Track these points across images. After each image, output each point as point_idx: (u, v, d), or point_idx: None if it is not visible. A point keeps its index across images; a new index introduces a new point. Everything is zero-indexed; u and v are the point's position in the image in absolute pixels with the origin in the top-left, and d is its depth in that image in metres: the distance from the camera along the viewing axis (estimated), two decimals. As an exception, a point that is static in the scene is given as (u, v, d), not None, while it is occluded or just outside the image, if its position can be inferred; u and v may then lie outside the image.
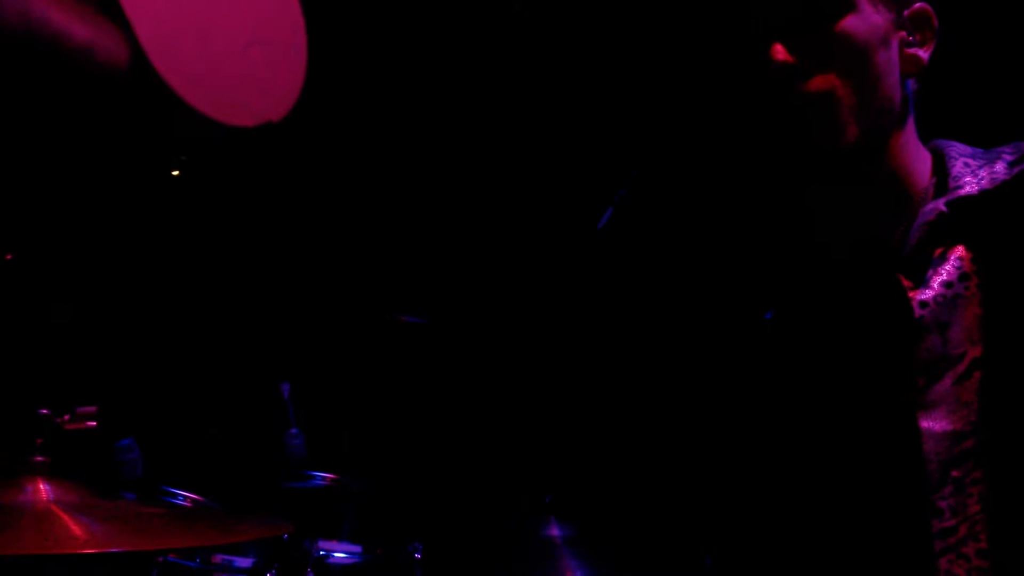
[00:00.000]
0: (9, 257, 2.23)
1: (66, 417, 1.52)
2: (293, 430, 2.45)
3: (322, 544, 2.25)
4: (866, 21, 1.36)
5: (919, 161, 1.43)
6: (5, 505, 1.43)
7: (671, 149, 2.24)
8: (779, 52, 1.35)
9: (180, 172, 2.44)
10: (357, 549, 2.34)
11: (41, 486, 1.47)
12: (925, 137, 1.48)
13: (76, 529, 1.39)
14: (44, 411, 1.51)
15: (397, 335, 2.87)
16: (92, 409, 1.54)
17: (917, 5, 1.42)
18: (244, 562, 2.08)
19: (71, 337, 2.58)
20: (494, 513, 2.81)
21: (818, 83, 1.35)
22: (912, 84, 1.44)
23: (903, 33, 1.41)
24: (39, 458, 1.50)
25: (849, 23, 1.35)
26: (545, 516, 2.47)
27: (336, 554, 2.28)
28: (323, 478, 2.44)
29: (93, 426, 1.53)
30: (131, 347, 2.75)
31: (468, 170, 3.14)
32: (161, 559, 1.92)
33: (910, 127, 1.44)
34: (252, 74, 1.33)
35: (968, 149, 1.45)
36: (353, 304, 3.04)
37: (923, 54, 1.42)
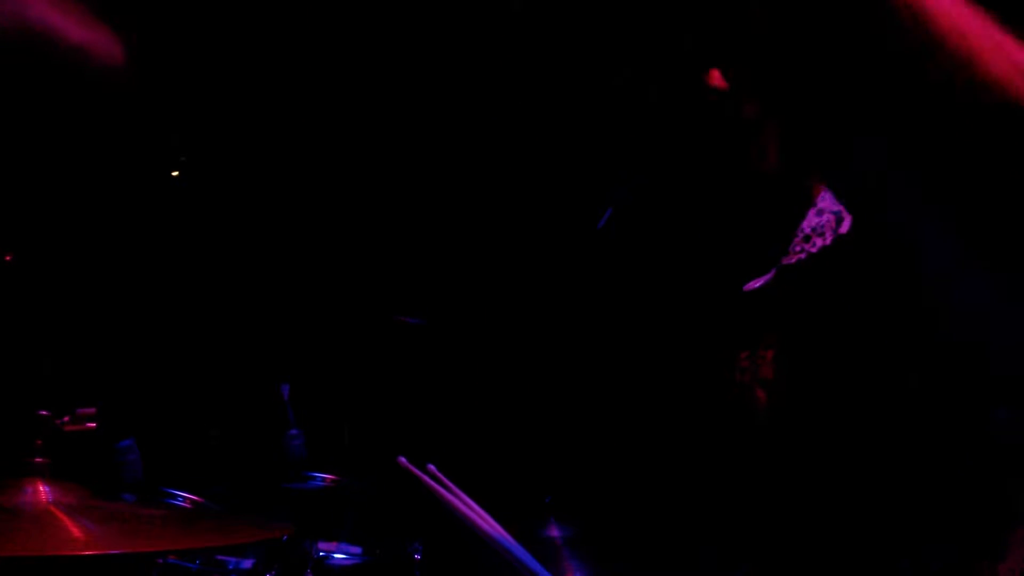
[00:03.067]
0: (9, 258, 2.23)
1: (66, 418, 1.52)
2: (293, 431, 2.45)
3: (322, 545, 2.24)
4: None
5: None
6: (5, 507, 1.43)
7: (669, 150, 2.24)
8: (715, 78, 1.40)
9: (180, 172, 2.44)
10: (357, 550, 2.34)
11: (41, 487, 1.47)
12: None
13: (76, 531, 1.39)
14: (44, 412, 1.51)
15: (397, 336, 2.87)
16: (92, 410, 1.54)
17: None
18: (244, 563, 2.08)
19: (71, 337, 2.59)
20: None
21: (749, 111, 1.40)
22: None
23: None
24: (39, 460, 1.50)
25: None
26: (545, 516, 2.47)
27: (336, 555, 2.28)
28: (323, 479, 2.44)
29: (93, 427, 1.53)
30: (131, 348, 2.75)
31: (468, 171, 3.14)
32: (161, 560, 1.92)
33: None
34: None
35: None
36: (353, 305, 3.04)
37: None
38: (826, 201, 1.39)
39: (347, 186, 3.12)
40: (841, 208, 1.36)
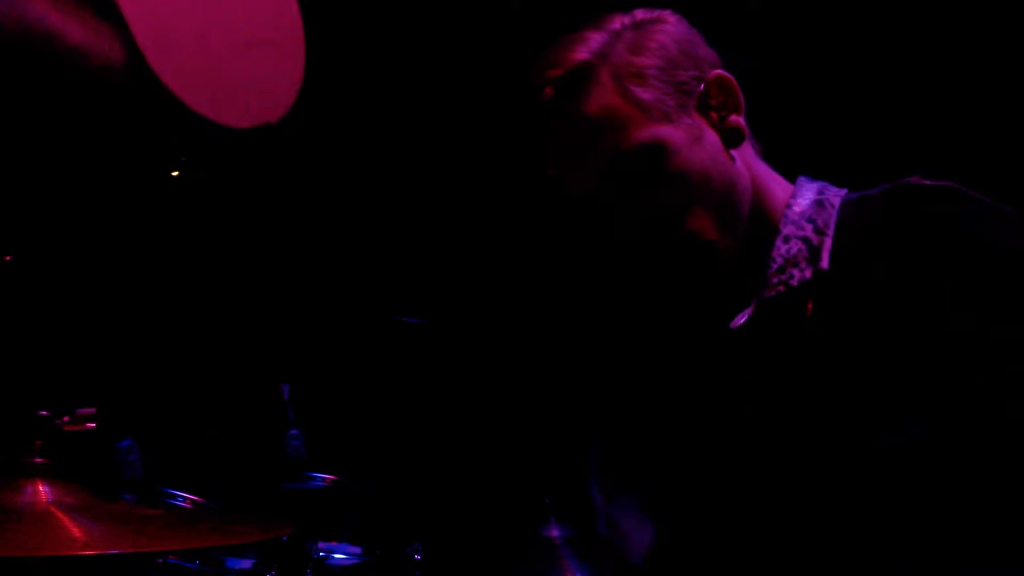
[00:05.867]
0: (9, 258, 2.23)
1: (66, 418, 1.52)
2: (293, 431, 2.45)
3: (322, 545, 2.24)
4: (680, 145, 1.38)
5: (776, 197, 1.46)
6: (5, 507, 1.43)
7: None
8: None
9: (179, 173, 2.44)
10: (357, 550, 2.34)
11: (40, 487, 1.47)
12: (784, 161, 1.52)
13: (75, 530, 1.39)
14: (43, 412, 1.51)
15: (397, 336, 2.87)
16: (91, 410, 1.54)
17: (708, 79, 1.42)
18: (244, 563, 2.08)
19: (71, 337, 2.59)
20: (494, 514, 2.81)
21: (692, 224, 1.39)
22: (748, 147, 1.46)
23: (711, 115, 1.42)
24: (38, 460, 1.50)
25: (673, 164, 1.38)
26: (545, 516, 2.48)
27: (336, 555, 2.28)
28: (323, 479, 2.44)
29: (92, 427, 1.53)
30: (131, 348, 2.75)
31: (468, 171, 3.14)
32: (161, 561, 1.92)
33: (762, 177, 1.46)
34: (250, 75, 1.33)
35: (807, 202, 1.44)
36: (353, 305, 3.04)
37: (736, 118, 1.43)
38: (789, 227, 1.41)
39: (346, 185, 3.12)
40: (809, 234, 1.40)
